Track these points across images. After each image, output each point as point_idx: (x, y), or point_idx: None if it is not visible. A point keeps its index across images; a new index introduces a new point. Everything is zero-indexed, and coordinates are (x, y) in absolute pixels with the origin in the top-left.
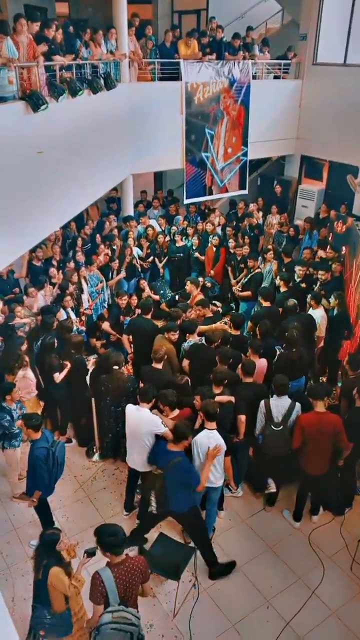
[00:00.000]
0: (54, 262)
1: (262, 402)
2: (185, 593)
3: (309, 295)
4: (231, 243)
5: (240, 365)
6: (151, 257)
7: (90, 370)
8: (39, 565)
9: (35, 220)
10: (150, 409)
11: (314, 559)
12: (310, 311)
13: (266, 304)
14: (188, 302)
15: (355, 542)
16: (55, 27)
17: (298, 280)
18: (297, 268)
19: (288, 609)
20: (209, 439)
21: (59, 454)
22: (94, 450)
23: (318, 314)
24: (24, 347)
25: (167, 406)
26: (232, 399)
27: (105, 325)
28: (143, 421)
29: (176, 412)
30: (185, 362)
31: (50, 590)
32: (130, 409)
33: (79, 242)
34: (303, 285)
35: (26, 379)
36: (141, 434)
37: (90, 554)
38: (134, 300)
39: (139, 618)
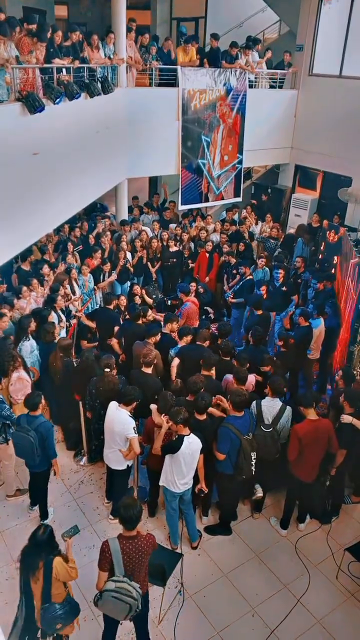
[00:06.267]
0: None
1: (254, 403)
2: (171, 599)
3: (311, 308)
4: (225, 249)
5: (233, 374)
6: (139, 254)
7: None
8: (36, 566)
9: (29, 221)
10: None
11: (300, 567)
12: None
13: (258, 312)
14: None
15: (341, 551)
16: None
17: (278, 284)
18: (275, 272)
19: (273, 617)
20: (190, 445)
21: (17, 439)
22: (82, 453)
23: (316, 324)
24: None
25: (161, 409)
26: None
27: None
28: (117, 421)
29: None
30: (175, 362)
31: (53, 582)
32: (111, 405)
33: (70, 246)
34: (284, 289)
35: (22, 380)
36: (114, 433)
37: (71, 534)
38: (123, 301)
39: (140, 594)
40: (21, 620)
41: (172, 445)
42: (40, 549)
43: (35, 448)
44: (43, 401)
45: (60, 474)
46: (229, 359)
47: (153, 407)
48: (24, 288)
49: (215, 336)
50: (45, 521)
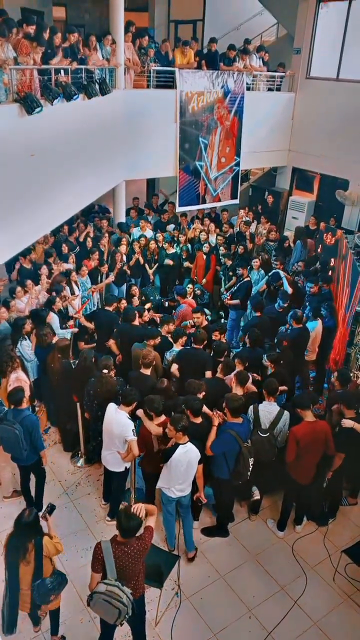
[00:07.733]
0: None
1: (251, 407)
2: (168, 601)
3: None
4: (221, 250)
5: (234, 375)
6: (136, 256)
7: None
8: (26, 548)
9: (27, 222)
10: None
11: (297, 569)
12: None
13: (257, 314)
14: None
15: (338, 553)
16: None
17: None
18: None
19: (270, 619)
20: (186, 453)
21: (3, 433)
22: (79, 455)
23: (313, 326)
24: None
25: (152, 411)
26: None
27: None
28: (116, 423)
29: (162, 417)
30: (174, 367)
31: (44, 560)
32: (110, 407)
33: (64, 247)
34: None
35: (20, 381)
36: (113, 435)
37: (48, 513)
38: (123, 303)
39: (131, 600)
40: (6, 607)
41: (165, 454)
42: (28, 532)
43: (20, 441)
44: (27, 395)
45: (57, 475)
46: (222, 359)
47: (140, 412)
48: (18, 288)
49: (211, 336)
50: None
